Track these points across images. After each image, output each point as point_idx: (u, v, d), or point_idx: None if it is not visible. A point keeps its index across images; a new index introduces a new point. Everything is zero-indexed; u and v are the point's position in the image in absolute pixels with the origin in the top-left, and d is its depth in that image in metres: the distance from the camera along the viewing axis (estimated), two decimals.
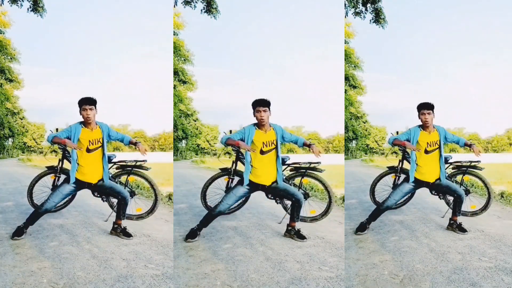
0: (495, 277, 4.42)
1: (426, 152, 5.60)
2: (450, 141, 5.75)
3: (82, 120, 5.26)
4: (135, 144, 5.48)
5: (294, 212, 5.57)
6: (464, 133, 12.29)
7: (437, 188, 5.82)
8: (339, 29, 8.50)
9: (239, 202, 5.78)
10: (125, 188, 6.03)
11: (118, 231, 5.54)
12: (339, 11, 8.30)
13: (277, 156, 5.38)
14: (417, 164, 5.62)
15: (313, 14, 10.26)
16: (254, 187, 5.44)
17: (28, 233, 5.43)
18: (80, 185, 5.34)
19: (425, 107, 5.56)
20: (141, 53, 9.80)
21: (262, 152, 5.33)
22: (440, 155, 5.61)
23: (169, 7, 8.67)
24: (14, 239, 5.26)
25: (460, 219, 6.16)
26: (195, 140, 11.12)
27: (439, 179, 5.66)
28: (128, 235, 5.52)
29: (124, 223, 5.94)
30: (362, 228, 5.80)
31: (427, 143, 5.58)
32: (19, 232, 5.34)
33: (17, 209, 6.52)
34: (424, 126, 5.62)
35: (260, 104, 5.28)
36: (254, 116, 5.34)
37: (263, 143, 5.31)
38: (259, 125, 5.35)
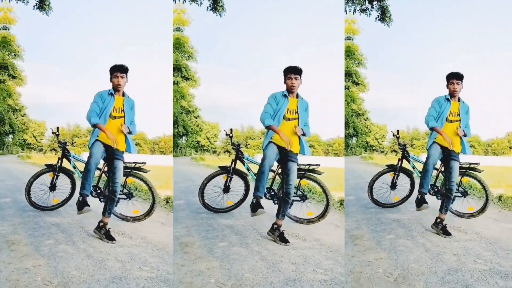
0: (490, 280, 4.42)
1: (448, 121, 5.68)
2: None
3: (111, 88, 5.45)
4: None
5: (281, 207, 5.51)
6: None
7: (446, 161, 5.78)
8: (339, 30, 8.49)
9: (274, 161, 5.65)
10: (123, 190, 6.03)
11: (102, 232, 5.44)
12: (339, 10, 8.29)
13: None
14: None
15: (315, 14, 10.24)
16: (278, 147, 5.50)
17: (24, 230, 5.46)
18: (107, 147, 5.42)
19: (454, 77, 5.69)
20: (141, 54, 9.82)
21: (285, 118, 5.43)
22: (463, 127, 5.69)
23: (169, 7, 8.67)
24: (80, 213, 5.49)
25: (457, 220, 6.16)
26: (195, 137, 11.12)
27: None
28: (111, 238, 5.41)
29: (122, 224, 5.93)
30: (420, 202, 5.91)
31: (450, 112, 5.67)
32: (81, 205, 5.50)
33: (15, 206, 6.54)
34: (451, 96, 5.72)
35: (291, 71, 5.42)
36: (285, 83, 5.49)
37: (288, 109, 5.42)
38: (288, 92, 5.47)
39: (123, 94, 5.48)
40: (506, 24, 9.66)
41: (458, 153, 5.74)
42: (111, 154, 5.44)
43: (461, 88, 5.72)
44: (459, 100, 5.75)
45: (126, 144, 5.48)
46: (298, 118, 5.45)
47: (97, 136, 5.40)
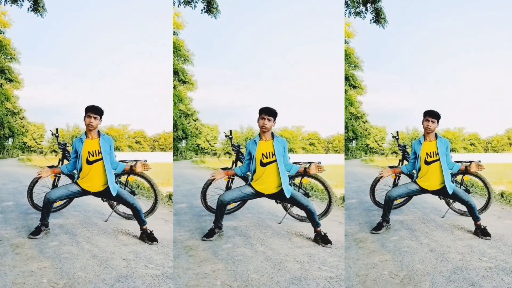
0: (495, 277, 4.42)
1: (426, 163, 5.60)
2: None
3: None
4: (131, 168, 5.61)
5: (311, 221, 5.50)
6: (464, 133, 12.29)
7: (444, 196, 5.80)
8: (339, 29, 8.50)
9: (242, 200, 5.64)
10: (125, 189, 6.02)
11: (143, 236, 5.45)
12: (339, 11, 8.31)
13: (279, 168, 5.33)
14: (419, 173, 5.66)
15: (313, 14, 10.25)
16: (258, 193, 5.46)
17: (27, 233, 5.44)
18: (85, 191, 5.41)
19: (429, 115, 5.55)
20: (141, 53, 9.79)
21: (262, 164, 5.35)
22: (443, 167, 5.56)
23: (169, 7, 8.67)
24: (29, 237, 5.30)
25: (460, 219, 6.18)
26: (195, 140, 11.12)
27: (443, 188, 5.62)
28: (152, 239, 5.39)
29: (125, 223, 5.95)
30: (379, 227, 5.81)
31: (426, 153, 5.58)
32: (36, 231, 5.38)
33: (17, 209, 6.52)
34: (425, 134, 5.63)
35: (265, 112, 5.32)
36: (258, 122, 5.39)
37: (262, 154, 5.34)
38: (260, 133, 5.39)
39: (99, 134, 5.38)
40: (504, 23, 9.73)
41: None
42: (103, 194, 5.46)
43: (436, 127, 5.56)
44: (436, 138, 5.61)
45: (109, 183, 5.37)
46: (275, 161, 5.32)
47: (77, 179, 5.40)
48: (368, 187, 6.78)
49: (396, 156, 7.97)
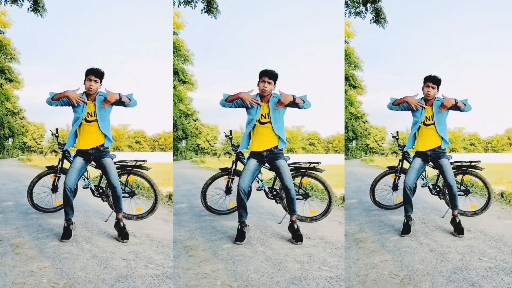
0: (495, 277, 4.42)
1: (425, 125, 5.58)
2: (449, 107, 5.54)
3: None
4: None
5: (288, 205, 5.47)
6: (464, 133, 12.31)
7: (434, 163, 5.73)
8: (339, 29, 8.50)
9: (255, 177, 5.47)
10: (124, 189, 6.02)
11: (117, 228, 5.41)
12: (339, 11, 8.30)
13: (273, 126, 5.27)
14: (417, 136, 5.64)
15: (313, 14, 10.25)
16: (256, 156, 5.38)
17: (27, 233, 5.43)
18: (83, 154, 5.29)
19: (430, 80, 5.51)
20: (141, 53, 9.79)
21: (260, 123, 5.30)
22: (442, 126, 5.55)
23: (169, 7, 8.67)
24: (62, 241, 5.22)
25: (460, 219, 6.16)
26: (195, 140, 11.12)
27: (434, 149, 5.61)
28: (123, 236, 5.34)
29: (125, 223, 5.92)
30: (407, 229, 5.69)
31: (426, 117, 5.57)
32: (67, 233, 5.29)
33: (17, 209, 6.52)
34: (425, 100, 5.59)
35: (265, 75, 5.24)
36: (258, 86, 5.31)
37: (262, 115, 5.28)
38: (261, 96, 5.31)
39: (94, 99, 5.28)
40: (504, 23, 9.73)
41: (443, 150, 5.65)
42: (96, 156, 5.35)
43: (436, 94, 5.53)
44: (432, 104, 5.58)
45: (105, 140, 5.31)
46: (271, 122, 5.28)
47: (74, 145, 5.32)
48: (368, 187, 6.78)
49: (396, 156, 7.96)
